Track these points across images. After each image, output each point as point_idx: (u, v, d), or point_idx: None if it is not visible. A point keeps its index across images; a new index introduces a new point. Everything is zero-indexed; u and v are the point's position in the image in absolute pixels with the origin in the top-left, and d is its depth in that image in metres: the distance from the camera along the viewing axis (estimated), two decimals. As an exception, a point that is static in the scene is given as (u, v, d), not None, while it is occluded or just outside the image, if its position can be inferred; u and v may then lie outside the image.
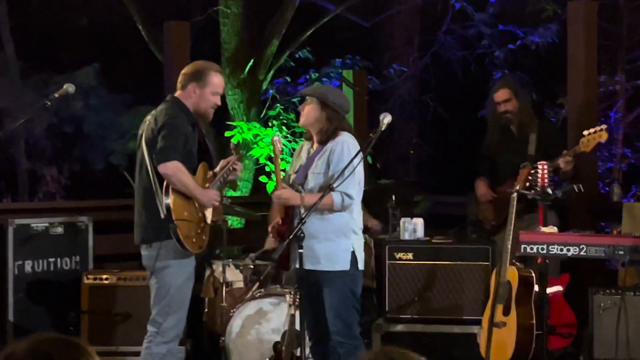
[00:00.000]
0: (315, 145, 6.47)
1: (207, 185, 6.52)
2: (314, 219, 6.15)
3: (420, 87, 15.87)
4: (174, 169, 6.20)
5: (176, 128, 6.29)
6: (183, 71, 6.59)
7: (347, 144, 6.29)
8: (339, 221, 6.32)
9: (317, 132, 6.40)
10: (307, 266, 6.23)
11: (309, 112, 6.40)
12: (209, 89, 6.50)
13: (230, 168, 6.62)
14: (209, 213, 6.48)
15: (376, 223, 8.70)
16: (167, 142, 6.22)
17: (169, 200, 6.20)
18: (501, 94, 8.26)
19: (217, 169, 6.69)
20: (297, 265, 6.17)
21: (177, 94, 6.55)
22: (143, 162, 6.41)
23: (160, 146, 6.23)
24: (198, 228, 6.36)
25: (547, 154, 7.54)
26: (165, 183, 6.23)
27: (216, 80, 6.54)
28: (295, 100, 13.01)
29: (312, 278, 6.34)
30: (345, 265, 6.31)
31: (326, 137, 6.37)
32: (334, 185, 6.02)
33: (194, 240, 6.30)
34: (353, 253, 6.31)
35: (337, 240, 6.32)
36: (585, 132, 7.25)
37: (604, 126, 7.25)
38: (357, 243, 6.37)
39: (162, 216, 6.21)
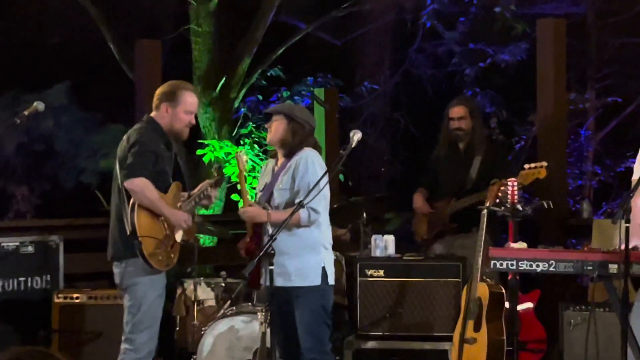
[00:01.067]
0: (280, 161, 6.49)
1: (179, 205, 6.52)
2: (283, 236, 6.13)
3: (392, 105, 15.93)
4: (140, 185, 6.21)
5: (146, 146, 6.31)
6: (157, 91, 6.61)
7: (310, 159, 6.32)
8: (308, 237, 6.34)
9: (281, 145, 6.42)
10: (278, 283, 6.21)
11: (276, 128, 6.43)
12: (181, 108, 6.52)
13: (205, 193, 6.63)
14: (178, 232, 6.48)
15: (343, 232, 8.70)
16: (135, 159, 6.25)
17: (135, 216, 6.21)
18: (457, 111, 8.30)
19: (195, 190, 6.69)
20: (267, 283, 6.17)
21: (153, 114, 6.57)
22: (115, 179, 6.43)
23: (129, 162, 6.27)
24: (166, 246, 6.36)
25: (487, 179, 7.56)
26: (132, 200, 6.24)
27: (189, 100, 6.56)
28: (266, 118, 13.02)
29: (283, 295, 6.33)
30: (316, 280, 6.32)
31: (290, 151, 6.39)
32: (304, 201, 6.04)
33: (160, 257, 6.30)
34: (324, 268, 6.33)
35: (307, 256, 6.33)
36: (526, 166, 7.31)
37: (544, 163, 7.29)
38: (327, 258, 6.39)
39: (128, 232, 6.23)
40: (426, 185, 8.47)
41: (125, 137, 6.51)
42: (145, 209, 6.26)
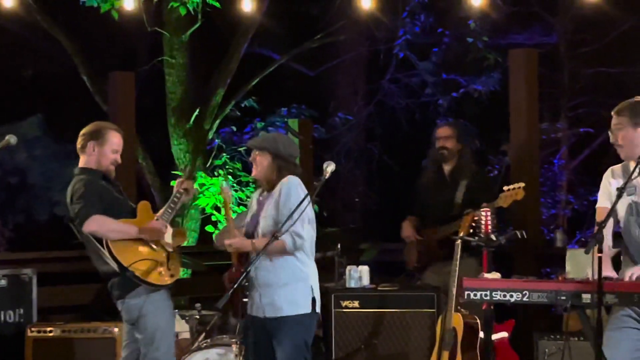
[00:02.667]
0: (263, 192, 6.47)
1: (155, 218, 6.56)
2: (269, 268, 6.17)
3: (366, 136, 15.97)
4: (97, 222, 6.30)
5: (85, 188, 6.42)
6: (82, 132, 6.69)
7: (292, 184, 6.27)
8: (295, 266, 6.27)
9: (267, 182, 6.39)
10: (268, 314, 6.20)
11: (261, 163, 6.36)
12: (108, 147, 6.64)
13: (181, 190, 6.68)
14: (167, 242, 6.52)
15: None
16: (79, 205, 6.35)
17: (112, 252, 6.25)
18: (444, 130, 8.33)
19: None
20: (255, 313, 6.21)
21: (80, 161, 6.64)
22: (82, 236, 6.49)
23: (76, 211, 6.36)
24: (160, 260, 6.42)
25: (471, 205, 7.58)
26: (103, 240, 6.30)
27: (115, 139, 6.69)
28: (241, 149, 13.04)
29: (267, 326, 6.26)
30: (307, 308, 6.27)
31: (274, 184, 6.36)
32: (282, 228, 6.02)
33: (159, 273, 6.35)
34: (313, 298, 6.30)
35: (296, 284, 6.26)
36: (505, 188, 7.35)
37: (521, 184, 7.35)
38: (316, 286, 6.35)
39: (117, 269, 6.27)
40: (415, 212, 8.45)
41: (66, 195, 6.57)
42: (117, 240, 6.29)
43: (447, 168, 8.32)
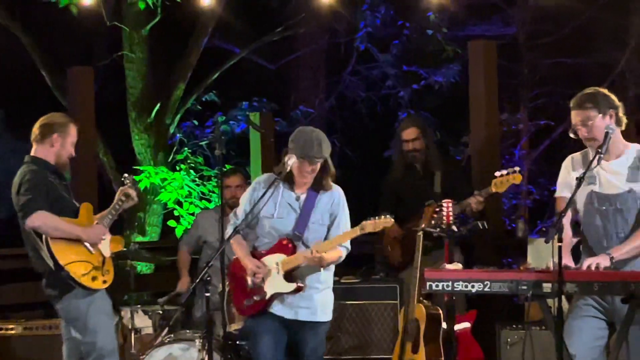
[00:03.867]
0: (302, 193, 6.23)
1: (95, 222, 6.56)
2: (313, 269, 6.14)
3: (327, 128, 15.92)
4: (40, 218, 6.29)
5: (32, 181, 6.40)
6: (43, 122, 6.63)
7: (343, 195, 6.30)
8: (330, 272, 6.33)
9: (317, 184, 6.22)
10: (302, 317, 6.15)
11: (315, 170, 6.16)
12: (69, 140, 6.64)
13: (122, 197, 6.66)
14: (105, 247, 6.52)
15: None
16: (25, 198, 6.34)
17: (51, 249, 6.24)
18: (409, 133, 8.33)
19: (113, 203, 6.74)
20: (290, 316, 6.16)
21: (33, 149, 6.62)
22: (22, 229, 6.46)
23: (21, 204, 6.34)
24: (96, 264, 6.40)
25: (452, 192, 7.62)
26: (43, 236, 6.28)
27: (74, 132, 6.69)
28: (202, 143, 13.01)
29: (294, 328, 6.21)
30: (331, 315, 6.34)
31: (324, 187, 6.25)
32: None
33: (93, 277, 6.34)
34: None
35: (327, 291, 6.31)
36: (498, 174, 7.33)
37: (517, 168, 7.32)
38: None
39: (53, 268, 6.25)
40: (388, 209, 8.41)
41: (13, 184, 6.54)
42: (57, 238, 6.28)
43: (419, 165, 8.34)
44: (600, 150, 5.49)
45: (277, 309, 6.16)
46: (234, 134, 13.33)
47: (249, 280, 6.17)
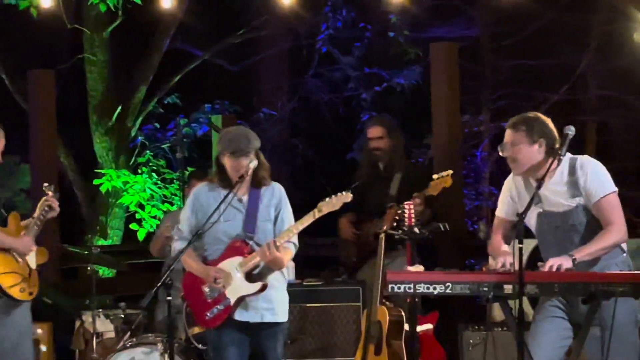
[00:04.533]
0: (242, 193, 6.13)
1: (22, 232, 6.52)
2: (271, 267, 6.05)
3: (290, 131, 15.96)
4: None
5: None
6: None
7: (283, 189, 6.22)
8: (286, 269, 6.23)
9: (256, 180, 6.14)
10: (266, 319, 6.05)
11: (245, 166, 6.05)
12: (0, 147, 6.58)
13: (45, 208, 6.62)
14: (31, 259, 6.49)
15: None
16: None
17: None
18: (374, 131, 8.34)
19: (36, 212, 6.68)
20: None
21: None
22: None
23: None
24: (24, 275, 6.41)
25: (410, 195, 7.62)
26: None
27: (3, 140, 6.64)
28: (164, 146, 12.97)
29: (256, 331, 6.09)
30: (287, 315, 6.24)
31: (262, 183, 6.16)
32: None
33: (20, 288, 6.33)
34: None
35: (285, 291, 6.23)
36: (435, 176, 7.39)
37: (449, 171, 7.39)
38: None
39: None
40: (352, 209, 8.40)
41: None
42: None
43: (381, 164, 8.35)
44: (560, 153, 5.50)
45: (241, 315, 6.04)
46: (196, 136, 13.30)
47: (207, 290, 6.08)
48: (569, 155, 5.61)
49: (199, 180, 8.14)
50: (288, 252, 6.09)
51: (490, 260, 5.73)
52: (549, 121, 5.64)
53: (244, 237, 6.05)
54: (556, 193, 5.58)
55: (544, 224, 5.62)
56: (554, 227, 5.59)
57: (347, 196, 5.98)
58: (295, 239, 6.13)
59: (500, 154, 5.68)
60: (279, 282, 6.16)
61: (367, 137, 8.40)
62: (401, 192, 8.03)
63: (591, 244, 5.45)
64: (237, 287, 6.02)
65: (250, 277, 6.03)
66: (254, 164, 6.06)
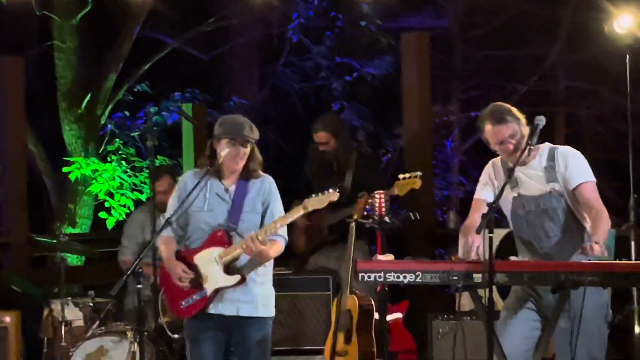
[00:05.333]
0: (229, 182, 6.04)
1: None
2: (253, 261, 5.92)
3: (261, 120, 15.92)
4: None
5: None
6: None
7: (274, 182, 6.11)
8: (270, 263, 6.11)
9: (247, 171, 6.03)
10: (243, 312, 5.91)
11: (245, 154, 5.96)
12: None
13: None
14: None
15: None
16: None
17: None
18: (320, 137, 8.33)
19: None
20: (228, 312, 5.90)
21: None
22: None
23: None
24: None
25: (364, 187, 7.61)
26: None
27: None
28: (134, 134, 12.92)
29: (233, 325, 5.95)
30: (273, 311, 6.11)
31: (252, 175, 6.05)
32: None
33: None
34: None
35: (268, 284, 6.09)
36: (401, 176, 7.39)
37: (419, 173, 7.39)
38: None
39: None
40: (302, 198, 8.37)
41: None
42: None
43: (332, 161, 8.33)
44: (530, 142, 5.54)
45: (216, 307, 5.92)
46: (166, 125, 13.24)
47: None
48: (549, 144, 5.71)
49: (170, 175, 8.10)
50: (275, 244, 5.95)
51: (460, 239, 5.72)
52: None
53: (227, 228, 5.93)
54: (533, 177, 5.64)
55: (519, 208, 5.67)
56: (527, 210, 5.64)
57: (333, 194, 5.86)
58: (283, 232, 6.00)
59: (500, 153, 5.69)
60: (262, 276, 6.01)
61: (314, 139, 8.38)
62: (354, 185, 8.02)
63: (598, 227, 5.44)
64: (215, 278, 5.89)
65: (229, 269, 5.91)
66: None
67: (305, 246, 8.34)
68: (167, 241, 6.02)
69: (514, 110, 5.68)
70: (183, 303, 5.97)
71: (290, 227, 8.21)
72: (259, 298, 5.97)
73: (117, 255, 8.31)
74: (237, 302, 5.90)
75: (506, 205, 5.72)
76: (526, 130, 5.61)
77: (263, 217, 6.01)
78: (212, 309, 5.92)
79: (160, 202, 8.00)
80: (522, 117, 5.67)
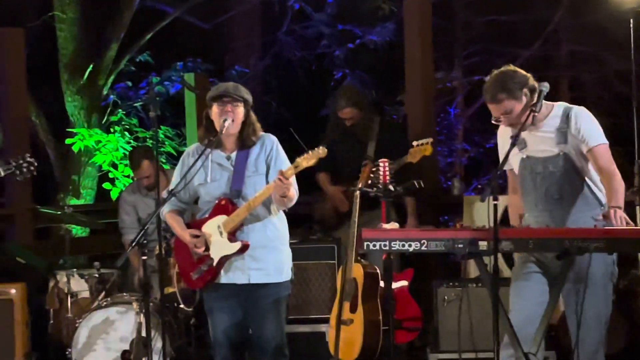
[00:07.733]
0: (230, 150, 6.03)
1: None
2: (258, 226, 5.92)
3: (263, 88, 15.90)
4: None
5: None
6: None
7: (276, 140, 6.06)
8: (281, 227, 6.08)
9: (243, 136, 6.00)
10: (255, 279, 5.91)
11: (237, 116, 5.94)
12: None
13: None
14: None
15: None
16: None
17: None
18: (345, 113, 8.24)
19: None
20: (242, 281, 5.91)
21: None
22: None
23: None
24: None
25: (389, 155, 7.58)
26: None
27: None
28: (137, 105, 12.90)
29: (247, 293, 5.96)
30: (289, 274, 6.10)
31: (250, 140, 6.01)
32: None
33: None
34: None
35: (282, 248, 6.06)
36: (415, 143, 7.37)
37: (430, 139, 7.37)
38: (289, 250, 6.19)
39: None
40: (326, 167, 8.30)
41: None
42: None
43: (355, 130, 8.28)
44: (534, 109, 5.52)
45: (228, 276, 5.94)
46: (168, 95, 13.22)
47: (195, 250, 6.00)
48: (563, 103, 5.67)
49: (147, 158, 8.04)
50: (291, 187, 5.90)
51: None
52: (512, 68, 5.66)
53: (230, 195, 5.94)
54: (544, 139, 5.60)
55: (526, 170, 5.64)
56: (534, 172, 5.61)
57: (323, 151, 5.87)
58: (295, 185, 5.94)
59: (499, 123, 5.67)
60: (274, 241, 6.01)
61: (336, 113, 8.31)
62: (377, 153, 7.98)
63: (617, 190, 5.42)
64: (219, 247, 5.93)
65: (232, 236, 5.92)
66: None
67: (332, 215, 8.29)
68: (172, 215, 6.08)
69: (517, 76, 5.58)
70: (193, 275, 6.01)
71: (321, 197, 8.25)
72: (271, 263, 5.98)
73: (122, 236, 8.30)
74: (247, 270, 5.92)
75: (515, 165, 5.71)
76: (523, 100, 5.54)
77: (267, 175, 5.98)
78: (224, 279, 5.95)
79: (147, 185, 8.01)
80: (526, 82, 5.57)
